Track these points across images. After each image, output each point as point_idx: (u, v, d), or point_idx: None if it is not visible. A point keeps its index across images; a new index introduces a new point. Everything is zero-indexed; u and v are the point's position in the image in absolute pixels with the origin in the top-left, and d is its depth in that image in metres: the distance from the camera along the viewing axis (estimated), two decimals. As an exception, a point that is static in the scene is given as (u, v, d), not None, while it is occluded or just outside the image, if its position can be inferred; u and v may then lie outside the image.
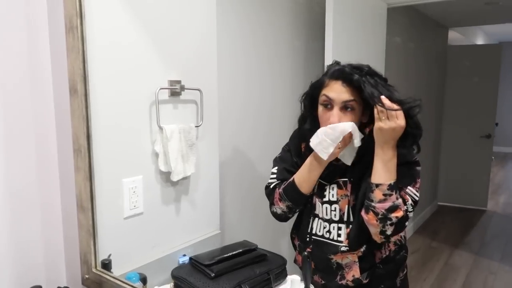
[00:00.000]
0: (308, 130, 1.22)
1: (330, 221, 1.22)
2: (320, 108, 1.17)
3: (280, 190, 1.25)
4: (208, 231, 1.51)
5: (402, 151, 1.12)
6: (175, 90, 1.32)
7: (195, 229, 1.46)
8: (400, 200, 1.08)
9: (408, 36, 3.97)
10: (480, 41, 7.35)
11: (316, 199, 1.25)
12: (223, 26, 1.63)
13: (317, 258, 1.24)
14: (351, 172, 1.19)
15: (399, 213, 1.06)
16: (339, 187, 1.21)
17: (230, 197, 1.79)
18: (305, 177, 1.20)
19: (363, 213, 1.12)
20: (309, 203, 1.26)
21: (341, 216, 1.20)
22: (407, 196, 1.11)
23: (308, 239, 1.26)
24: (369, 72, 1.14)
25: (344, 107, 1.13)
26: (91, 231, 1.00)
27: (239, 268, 1.22)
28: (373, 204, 1.07)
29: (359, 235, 1.16)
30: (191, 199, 1.43)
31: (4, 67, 1.08)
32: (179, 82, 1.33)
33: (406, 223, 1.10)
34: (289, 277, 1.11)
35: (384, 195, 1.06)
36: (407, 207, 1.10)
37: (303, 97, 1.26)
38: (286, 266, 1.31)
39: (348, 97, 1.12)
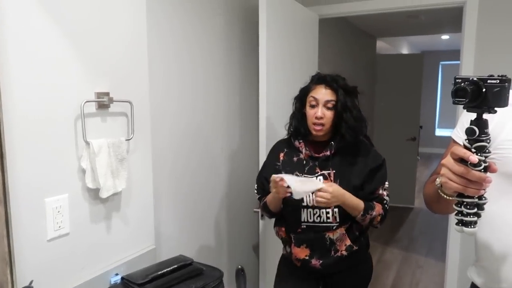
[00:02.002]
0: (297, 124, 1.60)
1: (320, 207, 1.51)
2: (308, 107, 1.55)
3: (261, 204, 1.67)
4: (143, 247, 1.46)
5: (370, 155, 1.55)
6: (103, 103, 1.26)
7: (129, 246, 1.40)
8: (374, 213, 1.50)
9: (340, 44, 4.16)
10: (405, 50, 7.91)
11: None
12: (155, 36, 1.60)
13: (312, 240, 1.54)
14: (332, 165, 1.54)
15: (378, 219, 1.52)
16: (325, 178, 1.52)
17: (165, 210, 1.75)
18: (270, 201, 1.59)
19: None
20: (295, 200, 1.48)
21: None
22: (384, 192, 1.55)
23: (300, 228, 1.55)
24: (343, 84, 1.54)
25: (326, 105, 1.51)
26: (7, 259, 0.92)
27: (174, 285, 1.20)
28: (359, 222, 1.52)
29: (346, 214, 1.51)
30: (123, 215, 1.37)
31: None
32: (107, 94, 1.27)
33: (387, 213, 1.55)
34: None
35: (361, 219, 1.50)
36: (386, 201, 1.55)
37: (294, 100, 1.64)
38: (223, 278, 1.30)
39: (330, 97, 1.52)
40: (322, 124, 1.52)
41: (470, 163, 0.77)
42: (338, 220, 1.51)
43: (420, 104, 5.51)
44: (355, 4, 2.77)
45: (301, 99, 1.61)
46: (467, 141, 0.80)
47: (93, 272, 1.26)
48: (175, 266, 1.26)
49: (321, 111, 1.51)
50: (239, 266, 1.01)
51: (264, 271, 2.20)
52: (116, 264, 1.33)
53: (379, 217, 1.52)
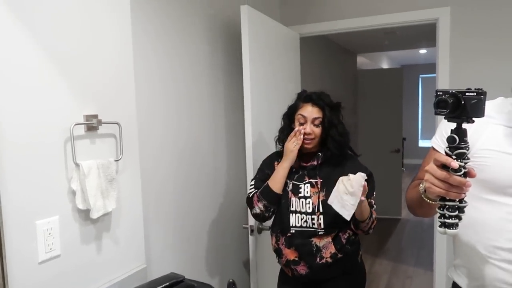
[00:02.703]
0: (286, 140, 1.68)
1: (306, 213, 1.62)
2: (297, 124, 1.67)
3: (258, 193, 1.70)
4: (134, 266, 1.47)
5: (357, 168, 1.55)
6: (92, 125, 1.29)
7: (120, 266, 1.41)
8: (373, 217, 1.59)
9: (322, 61, 4.28)
10: (385, 65, 8.13)
11: (292, 197, 1.64)
12: (140, 58, 1.65)
13: (300, 245, 1.62)
14: (319, 174, 1.64)
15: (374, 222, 1.62)
16: (312, 185, 1.63)
17: (155, 229, 1.76)
18: (276, 179, 1.66)
19: (354, 227, 1.62)
20: (285, 203, 1.65)
21: (313, 209, 1.61)
22: (373, 201, 1.63)
23: (289, 232, 1.64)
24: (329, 101, 1.67)
25: (314, 122, 1.63)
26: (1, 281, 0.93)
27: (166, 302, 1.21)
28: (360, 227, 1.59)
29: (332, 223, 1.59)
30: (114, 235, 1.39)
31: None
32: (95, 116, 1.30)
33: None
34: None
35: (366, 223, 1.57)
36: (375, 207, 1.63)
37: (283, 116, 1.75)
38: (215, 294, 1.32)
39: (317, 114, 1.64)
40: (311, 139, 1.64)
41: (452, 169, 0.84)
42: (322, 226, 1.60)
43: (402, 116, 5.64)
44: (333, 23, 2.87)
45: (290, 116, 1.72)
46: (448, 148, 0.87)
47: (84, 293, 1.26)
48: (167, 283, 1.27)
49: (309, 127, 1.63)
50: (231, 280, 1.03)
51: (255, 287, 2.20)
52: (108, 284, 1.34)
53: (375, 221, 1.62)
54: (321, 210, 1.60)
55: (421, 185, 0.99)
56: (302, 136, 1.63)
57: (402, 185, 5.70)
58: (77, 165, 1.22)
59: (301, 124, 1.65)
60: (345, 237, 1.63)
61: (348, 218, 1.43)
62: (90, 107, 1.30)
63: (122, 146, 1.40)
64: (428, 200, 0.95)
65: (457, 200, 0.87)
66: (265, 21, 2.33)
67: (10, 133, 1.05)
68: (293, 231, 1.63)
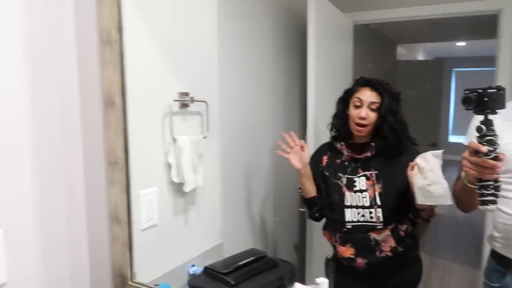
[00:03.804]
0: (340, 125, 1.65)
1: (363, 207, 1.56)
2: (352, 108, 1.59)
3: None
4: (211, 241, 1.53)
5: (413, 154, 1.48)
6: (185, 102, 1.34)
7: (201, 239, 1.47)
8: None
9: (362, 50, 4.23)
10: (420, 56, 7.96)
11: (347, 191, 1.59)
12: (223, 46, 1.67)
13: (357, 240, 1.58)
14: (373, 166, 1.58)
15: (435, 209, 1.51)
16: (367, 178, 1.58)
17: (229, 206, 1.81)
18: (303, 189, 1.66)
19: (413, 217, 1.54)
20: (338, 199, 1.60)
21: (371, 202, 1.56)
22: None
23: (345, 228, 1.59)
24: (389, 88, 1.60)
25: (370, 106, 1.55)
26: (128, 243, 0.99)
27: (255, 275, 1.25)
28: (421, 215, 1.50)
29: (390, 215, 1.55)
30: (198, 210, 1.44)
31: (34, 77, 1.05)
32: (187, 94, 1.35)
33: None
34: (318, 280, 1.13)
35: (426, 211, 1.48)
36: None
37: (338, 101, 1.68)
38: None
39: (375, 99, 1.56)
40: (365, 125, 1.55)
41: (483, 154, 0.98)
42: (381, 220, 1.54)
43: (441, 110, 5.55)
44: (390, 11, 2.84)
45: (345, 100, 1.64)
46: (478, 137, 1.00)
47: (174, 262, 1.32)
48: (252, 258, 1.31)
49: (365, 111, 1.54)
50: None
51: (310, 271, 2.25)
52: (192, 256, 1.40)
53: (433, 211, 1.53)
54: (378, 203, 1.54)
55: (462, 172, 1.14)
56: (295, 141, 1.58)
57: (436, 180, 5.62)
58: (174, 139, 1.27)
59: (356, 108, 1.57)
60: (403, 229, 1.57)
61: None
62: (183, 86, 1.35)
63: (209, 124, 1.44)
64: (469, 184, 1.10)
65: (492, 180, 1.00)
66: (327, 6, 2.33)
67: (132, 105, 1.11)
68: (350, 226, 1.58)
